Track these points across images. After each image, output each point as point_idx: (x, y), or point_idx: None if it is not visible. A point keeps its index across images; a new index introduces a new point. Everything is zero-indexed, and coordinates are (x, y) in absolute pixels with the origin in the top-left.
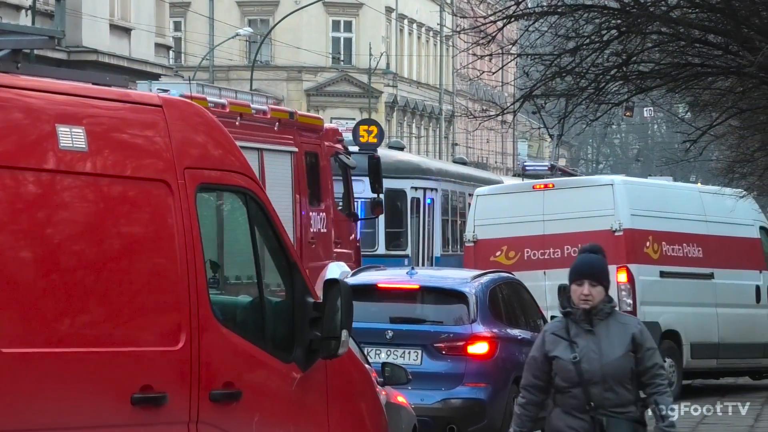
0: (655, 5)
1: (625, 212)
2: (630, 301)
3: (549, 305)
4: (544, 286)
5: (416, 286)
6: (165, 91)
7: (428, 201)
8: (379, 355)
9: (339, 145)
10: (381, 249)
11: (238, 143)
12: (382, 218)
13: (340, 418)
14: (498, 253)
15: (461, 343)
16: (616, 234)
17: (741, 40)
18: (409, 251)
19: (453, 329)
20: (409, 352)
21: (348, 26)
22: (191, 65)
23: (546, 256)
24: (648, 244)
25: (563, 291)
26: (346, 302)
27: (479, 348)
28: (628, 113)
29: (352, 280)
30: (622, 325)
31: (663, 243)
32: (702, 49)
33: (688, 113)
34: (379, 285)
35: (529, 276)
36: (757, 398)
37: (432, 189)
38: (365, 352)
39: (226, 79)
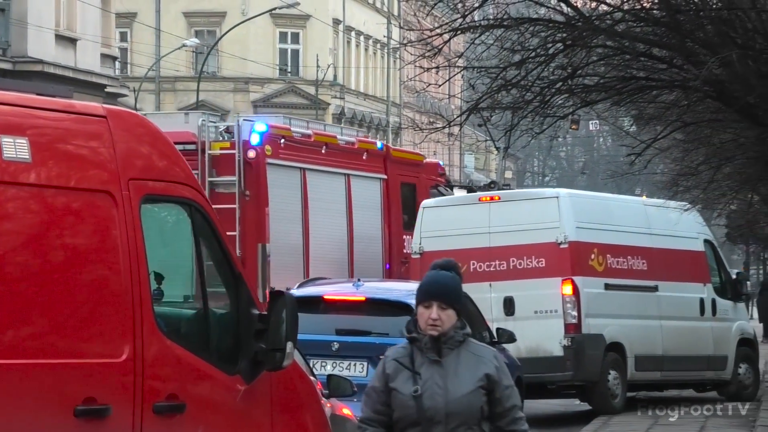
0: (600, 19)
1: (571, 225)
2: (575, 313)
3: (495, 317)
4: (490, 298)
5: (362, 298)
6: (251, 121)
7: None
8: (325, 367)
9: (440, 179)
10: None
11: (324, 168)
12: None
13: (285, 431)
14: None
15: None
16: (562, 246)
17: (686, 54)
18: None
19: (399, 341)
20: (354, 364)
21: (295, 38)
22: (137, 76)
23: (492, 269)
24: (593, 256)
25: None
26: (291, 314)
27: None
28: (573, 126)
29: (298, 292)
30: (475, 357)
31: (608, 255)
32: (647, 62)
33: (633, 126)
34: (325, 297)
35: (474, 288)
36: (701, 411)
37: None
38: (311, 364)
39: (172, 90)
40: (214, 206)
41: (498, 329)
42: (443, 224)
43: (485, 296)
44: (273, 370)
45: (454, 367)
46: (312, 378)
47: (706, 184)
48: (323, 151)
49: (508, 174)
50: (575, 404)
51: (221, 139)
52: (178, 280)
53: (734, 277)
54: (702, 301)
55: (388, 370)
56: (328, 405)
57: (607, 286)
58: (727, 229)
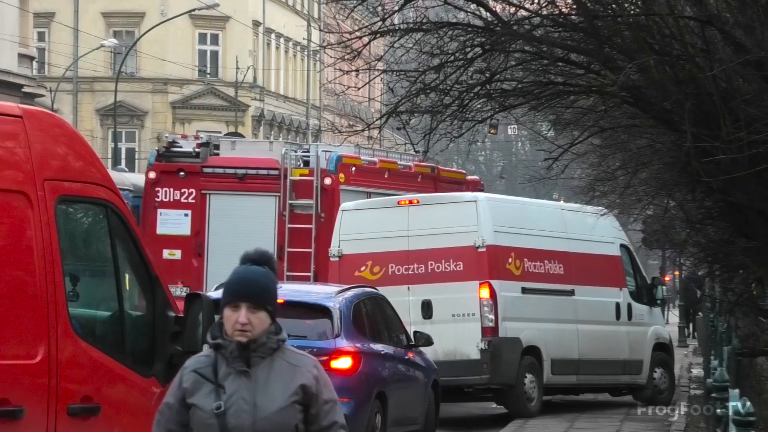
0: (518, 24)
1: (488, 229)
2: (492, 316)
3: (413, 320)
4: (408, 301)
5: (281, 301)
6: (328, 152)
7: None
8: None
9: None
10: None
11: (387, 191)
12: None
13: None
14: (363, 268)
15: (324, 358)
16: (479, 250)
17: (603, 59)
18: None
19: (316, 344)
20: None
21: (215, 39)
22: (55, 76)
23: (410, 272)
24: (510, 260)
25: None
26: (207, 316)
27: (342, 363)
28: (492, 131)
29: (216, 294)
30: (291, 367)
31: (525, 259)
32: (564, 68)
33: (551, 131)
34: None
35: (393, 291)
36: (616, 415)
37: None
38: None
39: (90, 91)
40: (292, 225)
41: (415, 332)
42: (362, 227)
43: (403, 299)
44: None
45: (265, 379)
46: None
47: (622, 189)
48: (386, 176)
49: None
50: (492, 407)
51: (300, 166)
52: (93, 281)
53: (650, 282)
54: (618, 305)
55: (186, 383)
56: None
57: (524, 290)
58: (643, 234)
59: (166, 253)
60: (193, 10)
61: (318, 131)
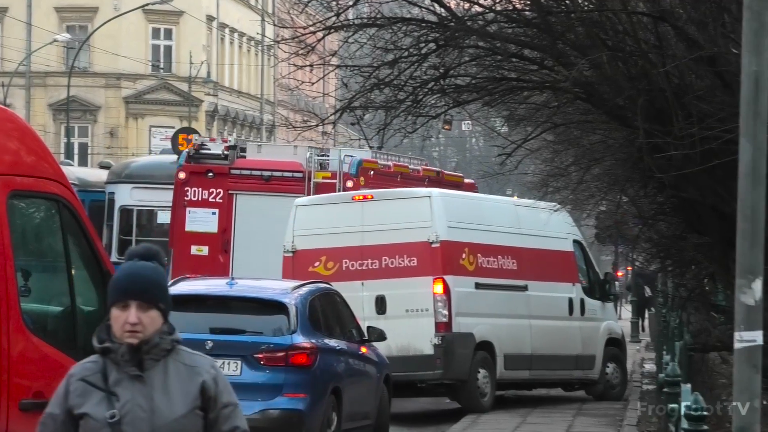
0: (472, 20)
1: (442, 224)
2: (445, 312)
3: (366, 316)
4: (362, 296)
5: (237, 297)
6: (350, 156)
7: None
8: None
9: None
10: None
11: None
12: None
13: None
14: (317, 264)
15: (281, 354)
16: (433, 245)
17: (556, 55)
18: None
19: (273, 340)
20: (228, 363)
21: (168, 34)
22: (7, 71)
23: (364, 267)
24: (464, 255)
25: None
26: None
27: (299, 358)
28: (446, 126)
29: (178, 289)
30: (188, 368)
31: (478, 255)
32: (518, 63)
33: (505, 127)
34: (200, 295)
35: (347, 287)
36: (569, 410)
37: None
38: None
39: (43, 85)
40: None
41: (368, 327)
42: (316, 223)
43: (357, 295)
44: None
45: (162, 384)
46: None
47: (575, 185)
48: (398, 179)
49: None
50: (446, 402)
51: (321, 169)
52: (45, 276)
53: (603, 277)
54: (571, 300)
55: (73, 393)
56: None
57: (478, 285)
58: (596, 229)
59: (194, 249)
60: (147, 4)
61: (272, 126)
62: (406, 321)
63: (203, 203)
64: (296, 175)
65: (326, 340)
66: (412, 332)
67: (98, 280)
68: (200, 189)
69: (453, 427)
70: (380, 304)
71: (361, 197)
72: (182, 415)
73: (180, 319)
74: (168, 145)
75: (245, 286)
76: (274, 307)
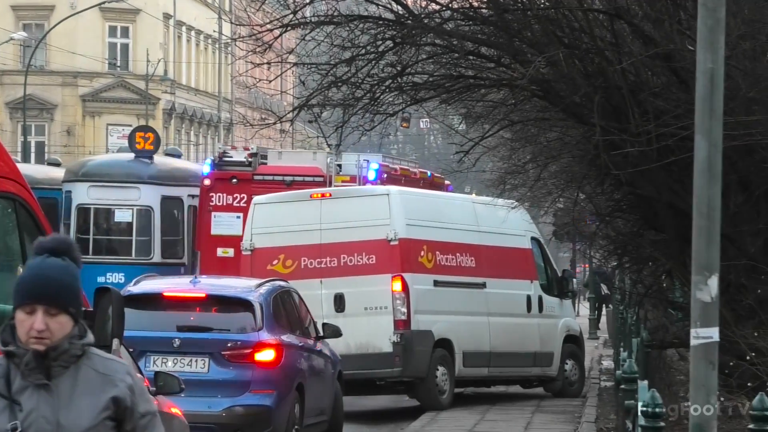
0: (429, 17)
1: (401, 222)
2: (404, 309)
3: (325, 314)
4: (321, 294)
5: (203, 295)
6: (367, 160)
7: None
8: (166, 364)
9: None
10: (157, 257)
11: None
12: (158, 225)
13: None
14: (275, 262)
15: (248, 351)
16: (392, 243)
17: (513, 53)
18: (185, 259)
19: (240, 337)
20: (196, 360)
21: (125, 32)
22: None
23: (323, 265)
24: (422, 253)
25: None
26: (117, 310)
27: (266, 355)
28: (404, 124)
29: (136, 289)
30: (100, 376)
31: (437, 252)
32: (475, 61)
33: (462, 125)
34: (165, 294)
35: (305, 285)
36: (527, 407)
37: None
38: (152, 361)
39: None
40: None
41: (324, 324)
42: (274, 220)
43: (316, 293)
44: None
45: (69, 393)
46: (138, 375)
47: (532, 182)
48: (402, 182)
49: None
50: (404, 400)
51: (340, 173)
52: (1, 275)
53: (560, 274)
54: (529, 298)
55: None
56: (155, 402)
57: (436, 283)
58: (553, 227)
59: (220, 251)
60: (103, 2)
61: (230, 124)
62: (364, 319)
63: (228, 208)
64: (317, 179)
65: (289, 337)
66: (371, 330)
67: None
68: (225, 194)
69: (412, 424)
70: (339, 302)
71: (319, 195)
72: (90, 427)
73: (148, 318)
74: (125, 143)
75: (209, 284)
76: (240, 304)
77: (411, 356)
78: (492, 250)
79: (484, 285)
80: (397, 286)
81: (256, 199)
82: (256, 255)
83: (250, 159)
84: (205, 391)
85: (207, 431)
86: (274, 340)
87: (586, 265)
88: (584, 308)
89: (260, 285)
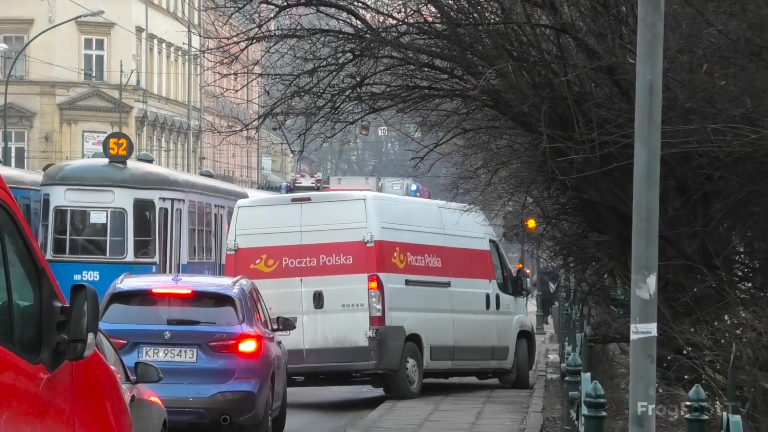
0: (386, 31)
1: (376, 225)
2: (379, 306)
3: (305, 310)
4: (301, 292)
5: (189, 291)
6: (409, 184)
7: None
8: (158, 354)
9: None
10: (130, 257)
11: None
12: (131, 226)
13: (86, 416)
14: (258, 261)
15: (232, 342)
16: (368, 245)
17: (465, 65)
18: (156, 259)
19: (225, 329)
20: (185, 351)
21: (100, 44)
22: None
23: (303, 264)
24: (395, 254)
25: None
26: (92, 306)
27: (248, 346)
28: (363, 131)
29: (124, 286)
30: None
31: (408, 253)
32: (430, 73)
33: (418, 132)
34: (154, 290)
35: (286, 283)
36: (479, 397)
37: (180, 200)
38: (144, 352)
39: None
40: None
41: (278, 318)
42: (257, 223)
43: (296, 290)
44: (74, 360)
45: None
46: (113, 367)
47: (483, 186)
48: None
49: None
50: (363, 391)
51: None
52: None
53: (515, 274)
54: (488, 296)
55: None
56: (128, 393)
57: (407, 282)
58: (503, 228)
59: None
60: (80, 16)
61: (199, 131)
62: (342, 315)
63: None
64: None
65: (263, 330)
66: (348, 325)
67: (33, 276)
68: None
69: (370, 414)
70: (318, 299)
71: (300, 199)
72: None
73: (138, 312)
74: (100, 149)
75: (191, 281)
76: (223, 299)
77: (385, 350)
78: (455, 252)
79: (449, 284)
80: (373, 285)
81: (240, 202)
82: (239, 255)
83: (317, 184)
84: (194, 378)
85: (197, 415)
86: (254, 332)
87: (519, 265)
88: (531, 305)
89: (235, 282)
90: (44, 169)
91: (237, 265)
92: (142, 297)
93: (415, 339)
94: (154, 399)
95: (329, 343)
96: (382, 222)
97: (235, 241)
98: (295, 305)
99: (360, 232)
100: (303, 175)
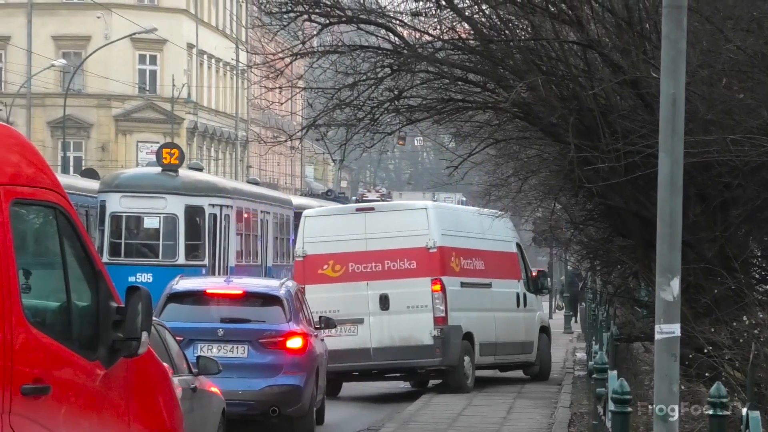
0: (423, 47)
1: (437, 232)
2: (442, 308)
3: (372, 311)
4: (367, 295)
5: (241, 291)
6: (461, 200)
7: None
8: (211, 350)
9: None
10: (181, 260)
11: None
12: (182, 231)
13: (139, 410)
14: (325, 267)
15: (280, 339)
16: (431, 251)
17: (497, 79)
18: (206, 262)
19: (273, 327)
20: (237, 347)
21: (153, 60)
22: (10, 92)
23: (369, 269)
24: (453, 259)
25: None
26: (146, 306)
27: (295, 342)
28: (400, 142)
29: (180, 287)
30: None
31: (461, 258)
32: (463, 86)
33: (452, 142)
34: (208, 290)
35: (354, 286)
36: (509, 393)
37: (228, 206)
38: (199, 348)
39: (42, 105)
40: None
41: (320, 317)
42: (324, 231)
43: (363, 293)
44: (129, 357)
45: None
46: (177, 361)
47: (514, 193)
48: None
49: (344, 183)
50: (400, 386)
51: None
52: (44, 275)
53: (534, 274)
54: (518, 295)
55: None
56: (191, 384)
57: (462, 284)
58: (533, 233)
59: None
60: (134, 33)
61: (246, 142)
62: (407, 316)
63: None
64: None
65: (308, 328)
66: (413, 325)
67: (91, 278)
68: None
69: (408, 408)
70: (384, 302)
71: (364, 209)
72: None
73: (193, 311)
74: (153, 158)
75: (242, 283)
76: (272, 299)
77: (448, 348)
78: (494, 255)
79: (490, 285)
80: (437, 287)
81: (307, 212)
82: (307, 261)
83: (381, 198)
84: (245, 373)
85: (247, 407)
86: (301, 330)
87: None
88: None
89: (283, 283)
90: (82, 174)
91: (305, 270)
92: (197, 297)
93: (468, 337)
94: (214, 389)
95: (395, 342)
96: (442, 229)
97: (303, 248)
98: (362, 307)
99: (423, 238)
100: (369, 191)
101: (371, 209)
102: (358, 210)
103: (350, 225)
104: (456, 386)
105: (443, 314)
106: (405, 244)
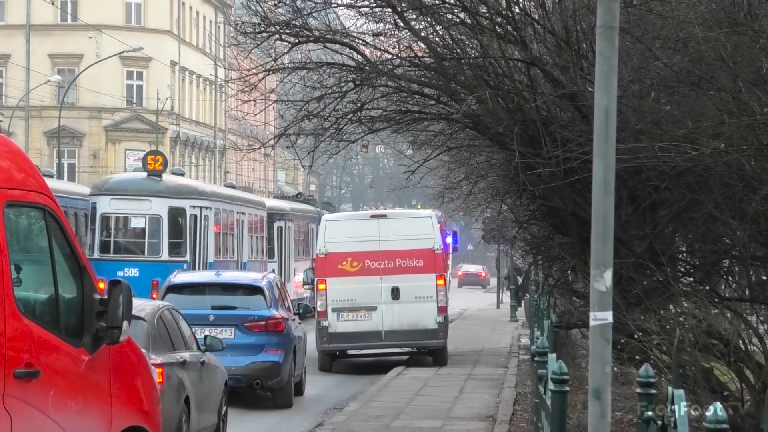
0: (383, 64)
1: (439, 237)
2: (444, 299)
3: (384, 301)
4: (381, 287)
5: (228, 283)
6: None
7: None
8: (204, 333)
9: None
10: (165, 256)
11: None
12: (166, 230)
13: (120, 392)
14: (344, 263)
15: (263, 323)
16: (436, 252)
17: (450, 93)
18: (188, 258)
19: (256, 312)
20: (226, 330)
21: (140, 75)
22: (10, 105)
23: (382, 266)
24: (449, 258)
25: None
26: (126, 298)
27: (275, 326)
28: (363, 149)
29: (177, 280)
30: None
31: (449, 258)
32: (420, 99)
33: (410, 150)
34: (201, 283)
35: (368, 280)
36: (462, 374)
37: (207, 207)
38: (192, 330)
39: (39, 117)
40: None
41: (298, 303)
42: (343, 233)
43: (377, 286)
44: (111, 344)
45: None
46: (188, 338)
47: (465, 196)
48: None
49: (312, 187)
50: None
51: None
52: (34, 270)
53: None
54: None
55: None
56: (200, 359)
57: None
58: (482, 232)
59: None
60: (122, 52)
61: (224, 149)
62: (415, 305)
63: None
64: None
65: (287, 313)
66: (419, 312)
67: (76, 273)
68: None
69: (369, 389)
70: (395, 293)
71: (377, 216)
72: None
73: (188, 300)
74: (139, 164)
75: (230, 276)
76: (255, 290)
77: (446, 331)
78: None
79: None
80: (441, 282)
81: (326, 217)
82: (329, 258)
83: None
84: (233, 352)
85: (235, 380)
86: (280, 315)
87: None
88: (506, 297)
89: (263, 276)
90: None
91: (326, 265)
92: (192, 288)
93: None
94: (217, 364)
95: (404, 327)
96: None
97: (325, 246)
98: (376, 297)
99: (429, 241)
100: (370, 207)
101: (384, 216)
102: (373, 216)
103: (366, 229)
104: (441, 362)
105: (445, 304)
106: (414, 245)
